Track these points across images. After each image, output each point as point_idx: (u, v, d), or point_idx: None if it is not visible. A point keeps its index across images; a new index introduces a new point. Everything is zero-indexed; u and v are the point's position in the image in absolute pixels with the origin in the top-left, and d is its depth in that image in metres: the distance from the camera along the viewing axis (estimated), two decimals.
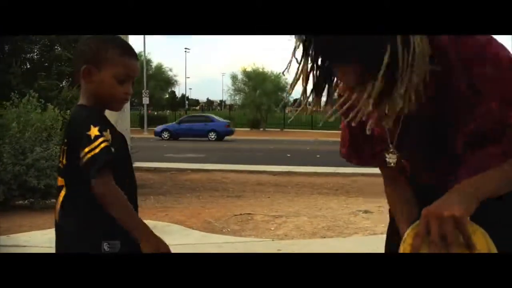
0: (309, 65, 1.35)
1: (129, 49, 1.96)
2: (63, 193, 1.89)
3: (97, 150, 1.76)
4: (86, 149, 1.76)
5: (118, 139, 1.92)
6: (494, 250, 1.17)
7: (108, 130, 1.83)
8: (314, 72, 1.35)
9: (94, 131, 1.78)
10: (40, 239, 6.13)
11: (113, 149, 1.80)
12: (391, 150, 1.50)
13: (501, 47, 1.35)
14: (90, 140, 1.77)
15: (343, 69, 1.31)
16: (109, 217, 1.79)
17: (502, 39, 1.41)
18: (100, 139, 1.77)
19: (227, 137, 31.44)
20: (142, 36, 41.66)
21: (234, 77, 45.56)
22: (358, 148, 1.65)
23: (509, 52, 1.34)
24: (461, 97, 1.35)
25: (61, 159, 1.91)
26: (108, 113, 2.00)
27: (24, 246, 5.86)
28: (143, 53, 42.05)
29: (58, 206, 1.90)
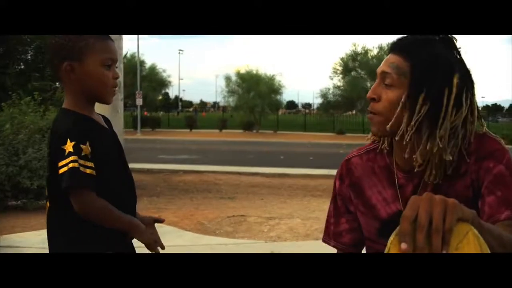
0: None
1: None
2: (48, 204, 1.87)
3: (65, 169, 1.72)
4: (59, 164, 1.73)
5: (106, 140, 1.89)
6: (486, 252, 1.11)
7: (87, 142, 1.76)
8: None
9: (69, 146, 1.73)
10: (33, 240, 6.13)
11: (89, 165, 1.75)
12: None
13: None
14: (63, 155, 1.73)
15: (393, 57, 1.47)
16: (92, 229, 1.79)
17: (502, 39, 1.44)
18: (71, 158, 1.72)
19: (219, 139, 30.00)
20: (136, 37, 41.54)
21: (228, 79, 45.52)
22: (338, 233, 1.73)
23: None
24: (466, 187, 1.48)
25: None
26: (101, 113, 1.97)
27: (17, 247, 5.85)
28: (136, 54, 42.01)
29: (46, 216, 1.89)
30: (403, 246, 1.03)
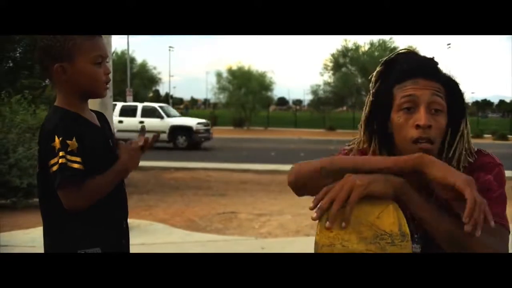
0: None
1: None
2: (39, 200, 1.87)
3: (56, 168, 1.73)
4: (51, 162, 1.74)
5: (94, 136, 1.87)
6: (404, 226, 1.27)
7: (74, 138, 1.76)
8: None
9: (57, 142, 1.74)
10: (22, 239, 6.10)
11: (75, 160, 1.75)
12: (416, 239, 1.55)
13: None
14: (54, 153, 1.74)
15: (430, 83, 1.49)
16: (85, 226, 1.80)
17: (502, 39, 1.45)
18: (60, 153, 1.73)
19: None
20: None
21: (219, 75, 45.44)
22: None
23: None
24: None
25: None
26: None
27: (6, 246, 5.81)
28: (127, 52, 41.89)
29: (40, 212, 1.88)
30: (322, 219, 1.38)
